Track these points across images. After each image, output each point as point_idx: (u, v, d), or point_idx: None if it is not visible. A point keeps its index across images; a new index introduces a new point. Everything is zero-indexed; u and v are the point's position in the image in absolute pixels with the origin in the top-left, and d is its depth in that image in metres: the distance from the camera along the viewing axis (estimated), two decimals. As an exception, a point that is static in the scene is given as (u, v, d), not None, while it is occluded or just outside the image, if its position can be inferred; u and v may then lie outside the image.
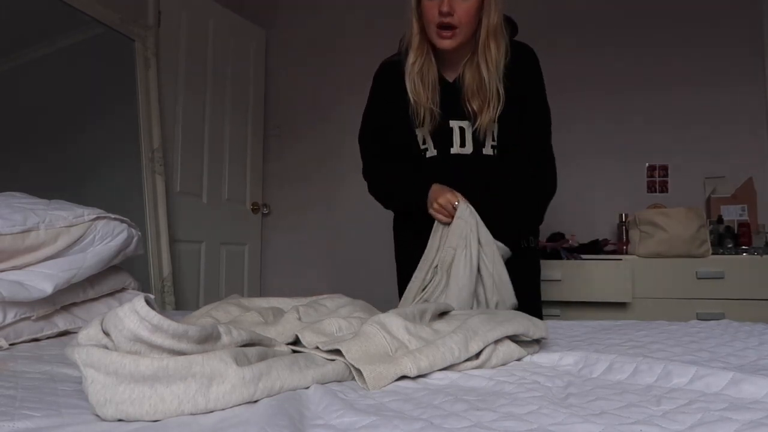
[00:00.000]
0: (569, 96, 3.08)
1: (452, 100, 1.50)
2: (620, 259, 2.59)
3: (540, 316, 1.55)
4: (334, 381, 0.77)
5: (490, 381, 0.77)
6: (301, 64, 3.52)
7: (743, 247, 2.60)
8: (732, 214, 2.77)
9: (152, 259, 2.46)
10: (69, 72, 2.23)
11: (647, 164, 3.04)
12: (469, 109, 1.48)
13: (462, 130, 1.52)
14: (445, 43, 1.42)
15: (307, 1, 3.55)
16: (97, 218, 1.37)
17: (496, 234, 1.48)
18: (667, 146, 3.01)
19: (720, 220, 2.74)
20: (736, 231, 2.67)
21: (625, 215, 2.79)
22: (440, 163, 1.54)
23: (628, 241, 2.72)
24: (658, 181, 3.02)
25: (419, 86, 1.48)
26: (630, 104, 3.05)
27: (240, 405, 0.64)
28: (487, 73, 1.43)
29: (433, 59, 1.50)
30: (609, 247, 2.78)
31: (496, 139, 1.52)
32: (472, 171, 1.52)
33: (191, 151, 2.88)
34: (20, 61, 2.06)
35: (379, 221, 3.37)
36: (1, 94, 1.96)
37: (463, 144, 1.52)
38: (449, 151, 1.53)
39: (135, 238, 1.48)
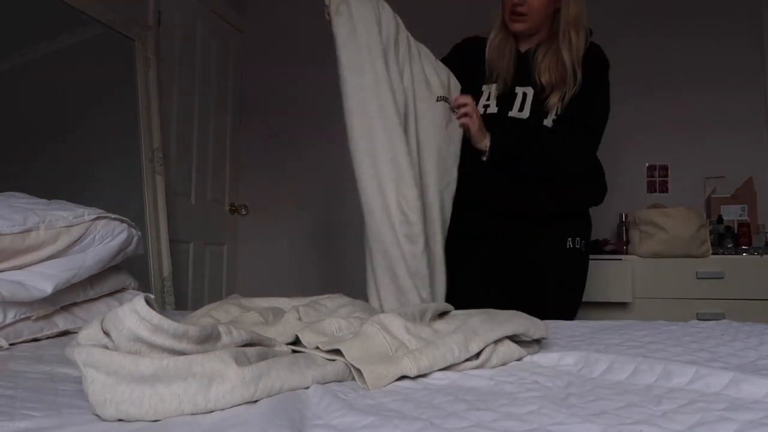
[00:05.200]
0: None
1: (521, 68, 1.64)
2: (620, 259, 2.59)
3: (572, 318, 1.60)
4: (334, 381, 0.77)
5: (490, 381, 0.77)
6: (282, 65, 3.52)
7: (743, 247, 2.60)
8: (732, 214, 2.77)
9: (152, 259, 2.46)
10: (69, 72, 2.23)
11: (647, 164, 3.04)
12: (539, 82, 1.60)
13: (525, 95, 1.63)
14: (516, 27, 1.61)
15: (294, 4, 3.55)
16: (97, 218, 1.36)
17: (542, 215, 1.60)
18: (667, 146, 3.01)
19: (720, 220, 2.74)
20: (736, 231, 2.68)
21: (625, 215, 2.79)
22: (496, 121, 1.63)
23: (628, 241, 2.72)
24: (658, 181, 3.02)
25: (496, 56, 1.66)
26: (630, 104, 3.04)
27: (240, 405, 0.64)
28: (568, 57, 1.56)
29: (511, 36, 1.67)
30: (609, 247, 2.78)
31: (558, 114, 1.61)
32: (524, 134, 1.60)
33: (183, 151, 2.90)
34: (20, 61, 2.06)
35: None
36: (1, 94, 1.96)
37: (521, 109, 1.63)
38: (507, 112, 1.63)
39: (135, 238, 1.48)
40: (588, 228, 1.75)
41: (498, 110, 1.64)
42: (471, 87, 1.66)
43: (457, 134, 1.57)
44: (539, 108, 1.59)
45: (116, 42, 2.41)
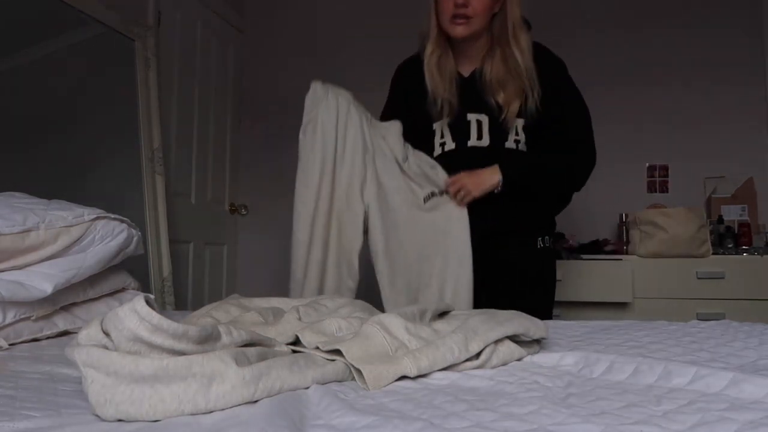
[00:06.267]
0: (569, 96, 3.08)
1: (469, 93, 1.54)
2: (620, 259, 2.59)
3: (550, 318, 1.58)
4: (334, 381, 0.77)
5: (490, 381, 0.77)
6: (282, 65, 3.51)
7: (743, 247, 2.60)
8: (732, 214, 2.77)
9: (152, 259, 2.46)
10: (69, 72, 2.23)
11: (647, 164, 3.04)
12: (493, 101, 1.51)
13: (479, 123, 1.54)
14: (459, 30, 1.47)
15: (294, 4, 3.55)
16: (97, 218, 1.36)
17: (512, 223, 1.53)
18: (667, 146, 3.01)
19: (720, 220, 2.74)
20: (736, 231, 2.67)
21: (625, 215, 2.79)
22: (458, 155, 1.57)
23: (628, 241, 2.72)
24: (658, 181, 3.02)
25: (437, 77, 1.54)
26: (630, 104, 3.05)
27: (240, 405, 0.64)
28: (516, 65, 1.47)
29: (450, 53, 1.54)
30: (609, 247, 2.78)
31: (519, 133, 1.54)
32: (490, 163, 1.52)
33: (183, 151, 2.90)
34: (20, 61, 2.06)
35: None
36: (1, 94, 1.96)
37: (480, 137, 1.54)
38: (466, 143, 1.56)
39: (135, 238, 1.48)
40: (553, 225, 1.71)
41: (456, 144, 1.57)
42: (424, 122, 1.59)
43: (456, 226, 1.52)
44: (499, 131, 1.52)
45: (116, 42, 2.41)
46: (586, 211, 3.02)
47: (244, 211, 3.42)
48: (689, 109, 2.98)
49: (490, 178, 1.46)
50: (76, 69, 2.26)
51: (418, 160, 1.58)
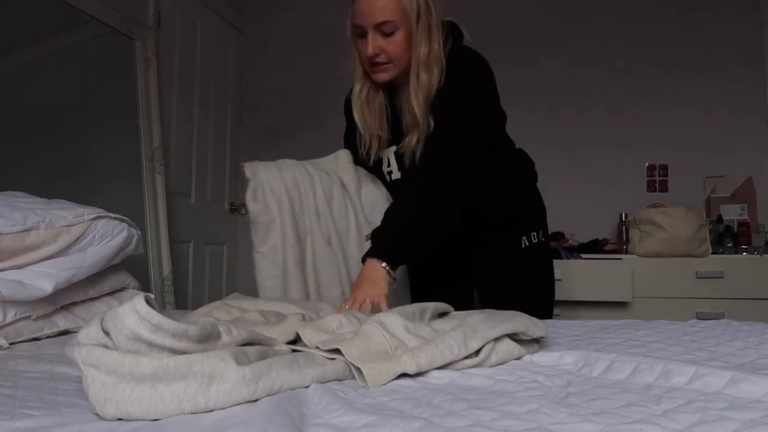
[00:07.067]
0: (568, 95, 3.08)
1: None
2: (620, 259, 2.59)
3: (549, 317, 1.56)
4: (334, 380, 0.77)
5: (489, 380, 0.77)
6: (281, 65, 3.52)
7: (743, 246, 2.60)
8: (732, 213, 2.77)
9: (152, 259, 2.46)
10: (69, 72, 2.23)
11: (647, 164, 3.04)
12: (405, 129, 1.44)
13: None
14: (381, 76, 1.41)
15: (294, 4, 3.55)
16: (97, 218, 1.37)
17: (495, 223, 1.51)
18: (667, 145, 3.01)
19: (720, 219, 2.74)
20: (735, 230, 2.68)
21: (625, 215, 2.80)
22: (403, 183, 1.53)
23: (628, 241, 2.72)
24: (658, 180, 3.02)
25: (366, 114, 1.48)
26: (630, 104, 3.05)
27: (240, 404, 0.64)
28: (415, 102, 1.37)
29: (378, 86, 1.47)
30: (609, 247, 2.78)
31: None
32: None
33: (183, 151, 2.91)
34: (20, 61, 2.06)
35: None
36: (1, 94, 1.96)
37: None
38: (412, 173, 1.49)
39: (135, 238, 1.48)
40: (542, 218, 1.63)
41: (402, 174, 1.52)
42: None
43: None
44: (402, 159, 1.46)
45: (116, 42, 2.41)
46: (586, 211, 3.03)
47: (243, 211, 3.41)
48: (689, 108, 2.98)
49: (375, 272, 1.24)
50: (76, 69, 2.27)
51: (375, 190, 1.56)
